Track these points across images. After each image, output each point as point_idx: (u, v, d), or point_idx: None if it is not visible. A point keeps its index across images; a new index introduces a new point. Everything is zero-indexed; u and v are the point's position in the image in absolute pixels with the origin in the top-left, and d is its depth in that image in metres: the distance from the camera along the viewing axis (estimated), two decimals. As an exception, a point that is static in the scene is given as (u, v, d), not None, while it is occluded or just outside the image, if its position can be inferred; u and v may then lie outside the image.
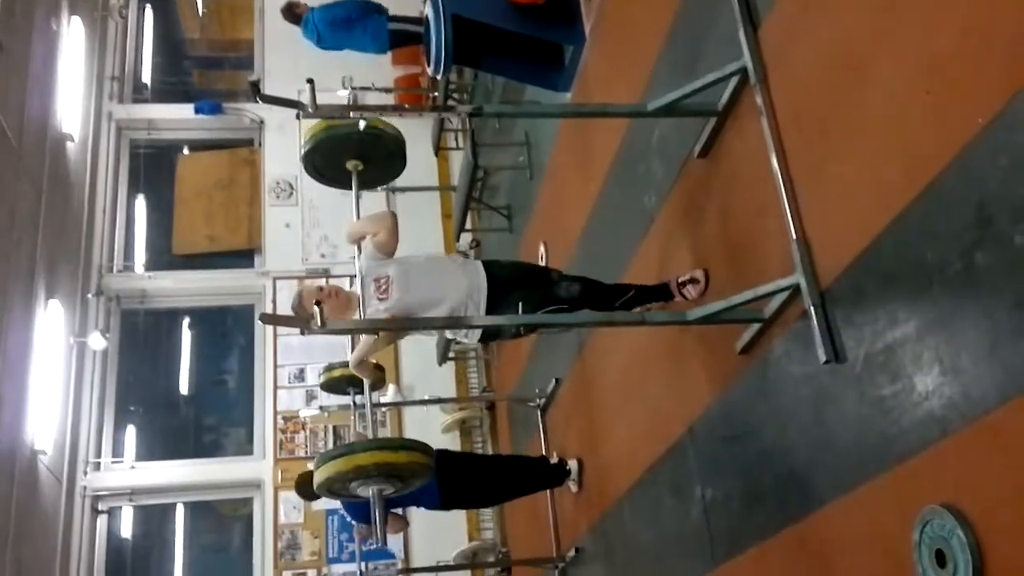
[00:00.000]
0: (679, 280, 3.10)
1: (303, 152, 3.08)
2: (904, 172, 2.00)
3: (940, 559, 1.84)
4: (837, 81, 2.26)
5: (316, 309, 2.42)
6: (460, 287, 3.06)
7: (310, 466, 3.67)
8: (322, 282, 6.58)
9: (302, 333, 3.34)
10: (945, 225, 1.86)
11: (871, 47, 2.12)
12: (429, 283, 3.09)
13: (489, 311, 3.06)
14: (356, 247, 3.15)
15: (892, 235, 2.04)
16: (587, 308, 3.20)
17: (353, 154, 3.10)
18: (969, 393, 1.80)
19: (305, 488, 4.24)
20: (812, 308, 2.31)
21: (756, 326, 2.61)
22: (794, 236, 2.39)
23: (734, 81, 2.71)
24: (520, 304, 2.91)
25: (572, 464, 4.44)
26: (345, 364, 4.18)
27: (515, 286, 3.13)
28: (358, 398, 4.45)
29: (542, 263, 5.13)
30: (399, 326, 3.21)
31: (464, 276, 3.11)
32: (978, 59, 1.77)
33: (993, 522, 1.74)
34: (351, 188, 3.13)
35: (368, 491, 2.86)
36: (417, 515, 6.55)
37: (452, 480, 4.15)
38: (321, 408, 5.85)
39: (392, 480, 2.86)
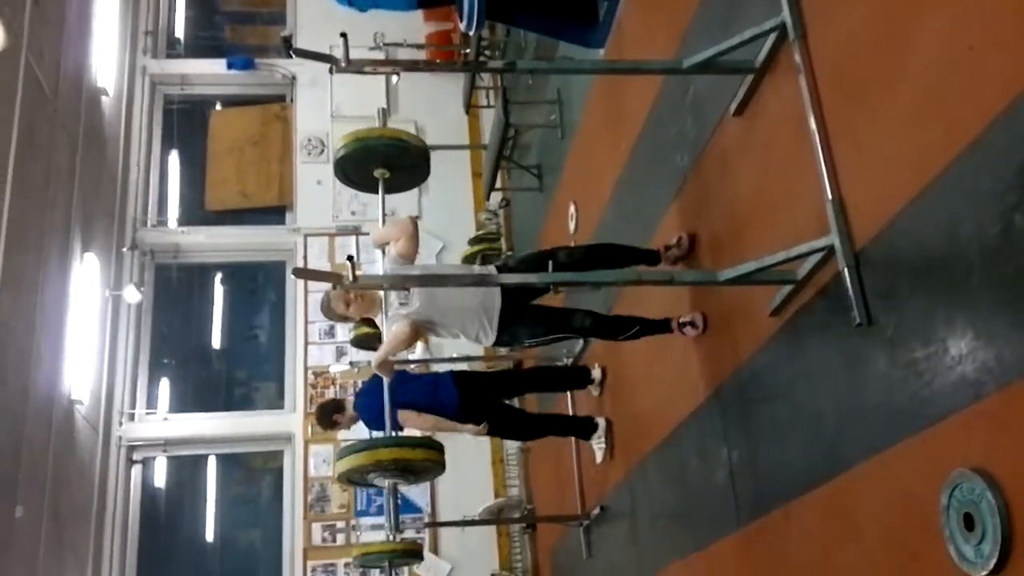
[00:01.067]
0: (680, 320, 3.35)
1: (335, 160, 3.33)
2: (944, 132, 1.95)
3: (968, 523, 1.83)
4: (877, 38, 2.21)
5: (348, 264, 2.48)
6: (476, 294, 3.33)
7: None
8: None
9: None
10: (985, 187, 1.82)
11: (912, 2, 2.06)
12: (447, 291, 3.32)
13: (503, 318, 3.35)
14: (381, 251, 3.46)
15: (930, 197, 2.00)
16: (595, 336, 3.63)
17: (380, 163, 3.35)
18: (1003, 357, 1.77)
19: (325, 417, 4.26)
20: (846, 270, 2.28)
21: (788, 288, 2.58)
22: (829, 197, 2.36)
23: (772, 37, 2.66)
24: (530, 326, 3.39)
25: (600, 421, 4.46)
26: (373, 322, 4.22)
27: (528, 296, 3.47)
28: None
29: (571, 223, 5.12)
30: (424, 283, 3.33)
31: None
32: (1026, 14, 1.72)
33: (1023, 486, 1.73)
34: (378, 193, 3.40)
35: (384, 482, 3.16)
36: (445, 472, 6.67)
37: (471, 388, 4.08)
38: (351, 364, 5.93)
39: (406, 474, 3.16)
